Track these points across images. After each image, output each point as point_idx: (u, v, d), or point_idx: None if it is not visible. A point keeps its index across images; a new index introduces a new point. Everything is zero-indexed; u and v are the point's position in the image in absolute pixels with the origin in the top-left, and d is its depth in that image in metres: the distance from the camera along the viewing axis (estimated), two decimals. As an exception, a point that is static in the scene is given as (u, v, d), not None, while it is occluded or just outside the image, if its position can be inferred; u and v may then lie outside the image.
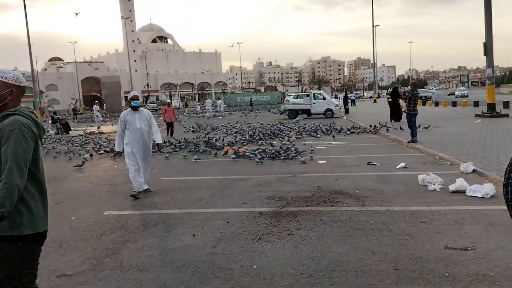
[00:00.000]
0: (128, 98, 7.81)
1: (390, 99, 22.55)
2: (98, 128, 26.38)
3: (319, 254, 4.41)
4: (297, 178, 8.40)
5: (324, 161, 10.37)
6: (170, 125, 19.96)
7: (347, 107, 32.31)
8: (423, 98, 45.16)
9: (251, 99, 60.32)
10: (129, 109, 7.63)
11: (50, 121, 26.94)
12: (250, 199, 6.85)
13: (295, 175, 8.75)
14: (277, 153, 11.17)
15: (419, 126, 14.98)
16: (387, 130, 16.59)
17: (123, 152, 7.54)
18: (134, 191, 7.32)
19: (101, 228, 5.64)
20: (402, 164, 9.11)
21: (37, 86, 68.02)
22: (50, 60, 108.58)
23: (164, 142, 14.62)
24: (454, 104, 33.24)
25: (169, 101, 22.31)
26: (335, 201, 6.52)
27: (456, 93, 60.91)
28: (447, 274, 3.81)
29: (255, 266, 4.16)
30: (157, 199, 7.22)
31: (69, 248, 4.90)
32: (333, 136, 15.76)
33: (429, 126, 16.33)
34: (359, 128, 18.32)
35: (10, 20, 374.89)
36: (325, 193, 7.06)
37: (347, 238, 4.84)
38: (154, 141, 8.05)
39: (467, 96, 49.18)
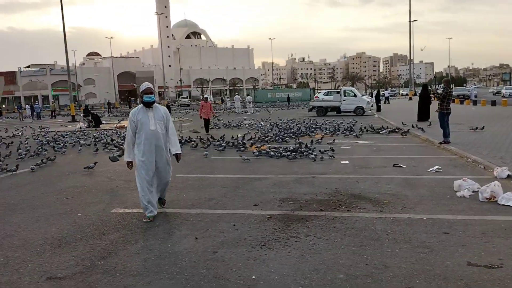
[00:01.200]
0: (140, 91, 5.83)
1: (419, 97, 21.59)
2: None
3: (325, 266, 4.04)
4: (316, 179, 8.00)
5: (347, 162, 9.91)
6: (207, 122, 19.21)
7: (379, 104, 31.35)
8: (461, 96, 43.49)
9: (288, 95, 59.88)
10: (141, 105, 5.84)
11: (82, 114, 27.48)
12: (262, 200, 6.53)
13: (314, 175, 8.35)
14: (295, 152, 10.90)
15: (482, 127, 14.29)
16: (404, 132, 15.59)
17: (131, 163, 5.90)
18: (146, 216, 5.69)
19: (105, 227, 5.46)
20: (435, 167, 8.53)
21: (74, 80, 70.17)
22: (88, 55, 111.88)
23: (201, 139, 14.69)
24: (493, 103, 31.66)
25: (206, 96, 20.64)
26: (352, 206, 6.10)
27: (504, 91, 51.85)
28: (466, 296, 3.37)
29: (253, 277, 3.84)
30: (167, 197, 6.97)
31: (67, 247, 4.74)
32: (356, 136, 15.10)
33: (483, 127, 14.95)
34: (376, 128, 16.93)
35: (53, 16, 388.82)
36: (343, 196, 6.65)
37: (359, 249, 4.44)
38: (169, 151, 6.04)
39: None
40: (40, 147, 13.78)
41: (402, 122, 17.82)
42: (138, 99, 32.17)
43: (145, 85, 5.80)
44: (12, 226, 5.62)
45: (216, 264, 4.14)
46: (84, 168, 9.89)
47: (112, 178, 8.79)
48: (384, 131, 16.02)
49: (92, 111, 28.23)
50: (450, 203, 6.09)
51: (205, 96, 20.36)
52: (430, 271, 3.87)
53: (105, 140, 16.04)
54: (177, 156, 6.03)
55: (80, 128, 23.35)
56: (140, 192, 5.68)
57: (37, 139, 17.60)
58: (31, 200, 7.01)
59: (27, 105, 53.44)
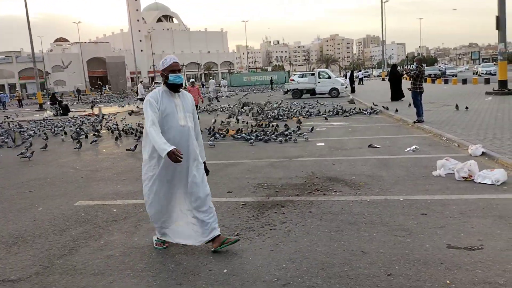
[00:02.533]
0: (163, 65, 3.98)
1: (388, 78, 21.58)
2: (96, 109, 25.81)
3: (301, 254, 3.83)
4: (291, 163, 7.79)
5: (323, 144, 9.74)
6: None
7: (353, 86, 31.35)
8: (432, 75, 44.06)
9: (271, 78, 58.94)
10: (162, 87, 3.98)
11: (49, 103, 26.47)
12: (236, 187, 6.27)
13: (289, 159, 8.14)
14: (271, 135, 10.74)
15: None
16: (372, 112, 15.62)
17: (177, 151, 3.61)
18: (156, 239, 4.18)
19: (66, 222, 5.11)
20: (413, 146, 8.42)
21: (42, 67, 67.72)
22: (55, 41, 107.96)
23: None
24: (464, 81, 32.14)
25: (192, 80, 18.68)
26: (328, 189, 5.92)
27: (480, 70, 49.35)
28: (448, 282, 3.21)
29: (225, 270, 3.59)
30: (136, 187, 6.64)
31: (23, 246, 4.38)
32: (326, 118, 14.85)
33: (467, 108, 14.28)
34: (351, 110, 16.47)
35: (18, 2, 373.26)
36: (319, 180, 6.46)
37: (335, 235, 4.25)
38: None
39: (495, 74, 44.00)
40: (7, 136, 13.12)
41: (373, 103, 17.79)
42: (139, 84, 30.63)
43: (171, 59, 3.97)
44: (-35, 224, 5.20)
45: (185, 259, 3.87)
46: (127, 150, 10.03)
47: (78, 169, 8.36)
48: (366, 112, 15.83)
49: (60, 100, 27.19)
50: (426, 183, 5.97)
51: (191, 80, 18.67)
52: (409, 255, 3.71)
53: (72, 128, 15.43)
54: (206, 169, 4.13)
55: (47, 117, 22.43)
56: (151, 205, 4.03)
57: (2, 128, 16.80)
58: (-12, 195, 6.56)
59: None
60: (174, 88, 3.92)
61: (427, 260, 3.60)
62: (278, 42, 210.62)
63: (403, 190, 5.67)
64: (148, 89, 47.71)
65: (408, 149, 8.34)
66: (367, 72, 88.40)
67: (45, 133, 13.97)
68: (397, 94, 20.09)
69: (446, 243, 3.91)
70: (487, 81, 28.38)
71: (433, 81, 38.51)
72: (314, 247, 3.98)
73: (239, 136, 11.09)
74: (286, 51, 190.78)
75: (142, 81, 34.72)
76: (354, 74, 34.29)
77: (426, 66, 60.21)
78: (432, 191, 5.57)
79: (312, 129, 11.76)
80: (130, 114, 21.47)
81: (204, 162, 4.13)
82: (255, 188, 6.18)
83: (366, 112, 15.74)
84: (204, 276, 3.52)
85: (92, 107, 26.50)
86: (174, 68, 3.93)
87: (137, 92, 45.06)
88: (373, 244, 3.97)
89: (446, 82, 35.41)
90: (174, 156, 3.55)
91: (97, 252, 4.11)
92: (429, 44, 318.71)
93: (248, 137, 10.75)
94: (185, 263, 3.78)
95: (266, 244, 4.10)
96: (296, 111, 17.35)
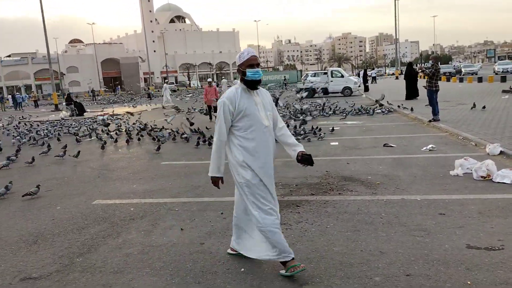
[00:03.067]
0: (239, 59, 3.53)
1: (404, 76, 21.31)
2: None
3: (318, 254, 3.82)
4: (305, 162, 7.76)
5: (337, 143, 9.69)
6: (210, 108, 16.97)
7: (367, 84, 31.12)
8: (447, 73, 43.49)
9: (285, 77, 58.60)
10: (239, 86, 3.55)
11: (64, 103, 26.81)
12: (251, 186, 6.27)
13: (304, 158, 8.11)
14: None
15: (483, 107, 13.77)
16: (385, 111, 15.45)
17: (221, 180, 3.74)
18: (287, 262, 3.44)
19: (85, 220, 5.17)
20: (429, 146, 8.33)
21: (57, 68, 68.68)
22: (70, 42, 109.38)
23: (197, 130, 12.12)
24: (479, 79, 31.65)
25: (210, 79, 18.25)
26: (343, 188, 5.89)
27: (496, 68, 45.58)
28: (469, 282, 3.17)
29: (242, 269, 3.61)
30: (152, 185, 6.73)
31: (43, 244, 4.45)
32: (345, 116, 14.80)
33: (484, 107, 13.91)
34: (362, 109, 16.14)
35: (33, 3, 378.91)
36: (334, 179, 6.43)
37: (353, 234, 4.23)
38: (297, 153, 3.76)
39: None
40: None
41: (388, 102, 17.60)
42: (149, 86, 29.95)
43: (248, 52, 3.53)
44: (-14, 223, 5.30)
45: (203, 257, 3.89)
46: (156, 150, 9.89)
47: (95, 168, 8.46)
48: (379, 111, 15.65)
49: (75, 99, 27.53)
50: (444, 183, 5.91)
51: (208, 80, 18.10)
52: (428, 255, 3.67)
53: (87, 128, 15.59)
54: (309, 158, 3.71)
55: (62, 117, 22.72)
56: (267, 228, 3.42)
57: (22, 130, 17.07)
58: (7, 194, 6.66)
59: (9, 95, 51.86)
60: (253, 85, 3.50)
61: (447, 260, 3.56)
62: (289, 41, 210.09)
63: (420, 190, 5.62)
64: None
65: (424, 148, 8.26)
66: (380, 70, 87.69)
67: (58, 134, 14.07)
68: (412, 93, 19.88)
69: (466, 243, 3.87)
70: (503, 79, 27.91)
71: (448, 79, 38.01)
72: (331, 247, 3.97)
73: None
74: (298, 50, 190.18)
75: (167, 81, 34.52)
76: (364, 72, 33.95)
77: (440, 64, 59.18)
78: (450, 191, 5.51)
79: (332, 129, 11.55)
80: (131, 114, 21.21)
81: (308, 157, 3.70)
82: (270, 187, 6.17)
83: (383, 111, 15.57)
84: (222, 275, 3.53)
85: (149, 95, 26.59)
86: (253, 62, 3.47)
87: (149, 95, 45.17)
88: (391, 244, 3.94)
89: (461, 80, 34.93)
90: (214, 185, 3.72)
91: (115, 251, 4.15)
92: (443, 42, 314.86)
93: None
94: (203, 262, 3.80)
95: (283, 244, 4.09)
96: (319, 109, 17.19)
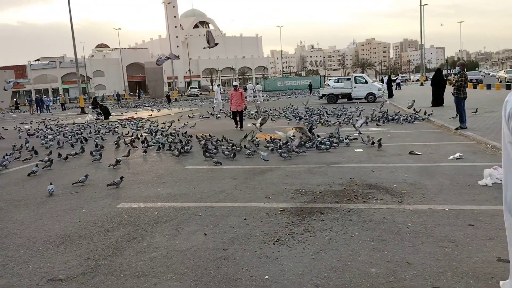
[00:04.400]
0: None
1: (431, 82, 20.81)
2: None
3: (343, 263, 3.76)
4: (329, 169, 7.70)
5: (361, 150, 9.57)
6: (235, 114, 15.90)
7: (391, 90, 30.73)
8: (474, 80, 42.55)
9: (310, 82, 58.24)
10: None
11: (90, 106, 27.38)
12: (274, 192, 6.25)
13: (327, 165, 8.05)
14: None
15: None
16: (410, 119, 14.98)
17: None
18: None
19: (110, 223, 5.25)
20: (457, 154, 8.13)
21: (84, 72, 70.33)
22: (97, 46, 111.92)
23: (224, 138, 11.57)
24: (508, 86, 30.83)
25: (236, 83, 16.82)
26: (368, 196, 5.80)
27: (508, 76, 42.59)
28: (500, 297, 3.06)
29: (266, 277, 3.58)
30: (176, 190, 6.78)
31: (70, 246, 4.53)
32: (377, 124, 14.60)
33: (476, 111, 14.47)
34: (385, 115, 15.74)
35: (61, 9, 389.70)
36: (358, 187, 6.34)
37: (378, 244, 4.15)
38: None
39: None
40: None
41: (414, 109, 17.19)
42: (216, 87, 28.44)
43: None
44: (15, 223, 5.43)
45: (226, 263, 3.89)
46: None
47: (120, 171, 8.58)
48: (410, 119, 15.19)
49: (101, 103, 28.11)
50: (472, 192, 5.75)
51: (234, 84, 16.75)
52: (457, 268, 3.57)
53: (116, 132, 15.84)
54: None
55: (89, 120, 23.19)
56: None
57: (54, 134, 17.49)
58: (35, 196, 6.82)
59: (32, 99, 52.36)
60: None
61: (477, 273, 3.46)
62: (312, 46, 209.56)
63: (448, 200, 5.48)
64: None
65: (452, 156, 8.07)
66: (404, 76, 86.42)
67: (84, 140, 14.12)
68: (438, 100, 19.51)
69: (496, 256, 3.75)
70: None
71: (474, 87, 37.18)
72: (356, 256, 3.90)
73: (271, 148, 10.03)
74: (321, 56, 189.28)
75: (219, 84, 34.11)
76: (389, 79, 33.52)
77: (466, 70, 57.80)
78: (479, 201, 5.36)
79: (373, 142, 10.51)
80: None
81: None
82: (293, 194, 6.14)
83: (410, 118, 15.16)
84: (245, 281, 3.51)
85: (168, 99, 25.99)
86: None
87: (168, 99, 45.60)
88: (418, 255, 3.85)
89: (488, 87, 34.11)
90: None
91: (140, 254, 4.19)
92: (469, 48, 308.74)
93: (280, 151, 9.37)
94: (226, 268, 3.79)
95: (306, 252, 4.06)
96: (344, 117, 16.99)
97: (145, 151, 10.70)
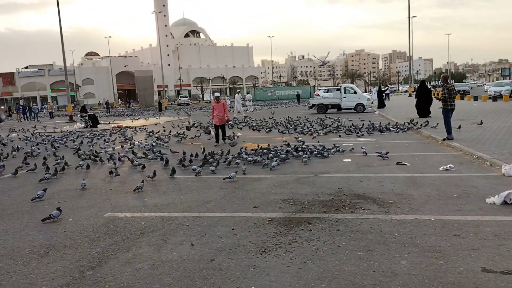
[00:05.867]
0: None
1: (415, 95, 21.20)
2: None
3: (330, 274, 3.76)
4: (317, 179, 7.72)
5: (350, 160, 9.62)
6: (218, 128, 14.00)
7: (383, 101, 31.07)
8: (461, 92, 43.14)
9: (298, 92, 58.49)
10: None
11: (79, 115, 27.17)
12: (262, 202, 6.25)
13: (316, 175, 8.07)
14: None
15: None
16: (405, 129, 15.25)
17: None
18: None
19: (96, 233, 5.18)
20: (448, 165, 8.19)
21: (73, 80, 69.89)
22: (86, 54, 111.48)
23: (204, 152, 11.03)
24: (494, 98, 31.37)
25: (218, 94, 14.56)
26: (356, 206, 5.82)
27: (489, 89, 37.95)
28: (485, 308, 3.09)
29: (253, 287, 3.56)
30: (164, 199, 6.73)
31: (54, 256, 4.46)
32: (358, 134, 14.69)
33: (459, 127, 14.09)
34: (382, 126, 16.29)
35: (50, 16, 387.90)
36: (346, 197, 6.37)
37: (365, 254, 4.17)
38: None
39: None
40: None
41: (411, 121, 17.05)
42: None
43: None
44: (-1, 233, 5.34)
45: (213, 274, 3.86)
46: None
47: (107, 180, 8.50)
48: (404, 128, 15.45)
49: (89, 112, 27.91)
50: (458, 203, 5.81)
51: (216, 95, 14.45)
52: (442, 278, 3.59)
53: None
54: None
55: (77, 128, 23.00)
56: None
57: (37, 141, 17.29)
58: (21, 205, 6.73)
59: (19, 106, 50.80)
60: None
61: (462, 283, 3.48)
62: (303, 57, 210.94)
63: (434, 210, 5.53)
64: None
65: (442, 167, 8.13)
66: (393, 87, 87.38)
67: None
68: (424, 111, 19.81)
69: (481, 266, 3.78)
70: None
71: (462, 98, 37.72)
72: (343, 266, 3.91)
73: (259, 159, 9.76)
74: (311, 66, 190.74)
75: (238, 91, 33.63)
76: (379, 89, 33.86)
77: (454, 82, 58.38)
78: (464, 212, 5.41)
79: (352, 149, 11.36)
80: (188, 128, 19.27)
81: None
82: (281, 203, 6.14)
83: (402, 128, 15.36)
84: (232, 292, 3.49)
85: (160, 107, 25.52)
86: None
87: (159, 107, 45.88)
88: (404, 266, 3.86)
89: (475, 98, 34.64)
90: None
91: (126, 265, 4.14)
92: (457, 60, 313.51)
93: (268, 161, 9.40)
94: (213, 279, 3.76)
95: (293, 262, 4.05)
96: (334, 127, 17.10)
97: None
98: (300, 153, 10.23)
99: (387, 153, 9.67)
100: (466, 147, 10.20)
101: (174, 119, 29.45)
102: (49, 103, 56.69)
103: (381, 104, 30.28)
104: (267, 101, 62.28)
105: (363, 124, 17.14)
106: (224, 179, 7.86)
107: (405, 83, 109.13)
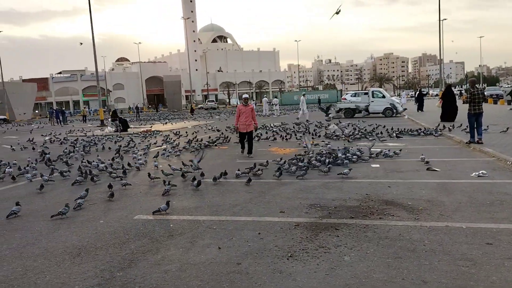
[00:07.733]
0: None
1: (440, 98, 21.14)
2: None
3: (357, 280, 3.72)
4: (344, 184, 7.66)
5: (378, 165, 9.49)
6: (243, 136, 12.42)
7: (423, 104, 30.62)
8: (494, 96, 41.91)
9: (319, 97, 58.48)
10: None
11: (110, 119, 27.84)
12: (288, 206, 6.24)
13: (343, 180, 8.00)
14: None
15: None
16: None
17: None
18: None
19: (126, 235, 5.30)
20: (480, 171, 7.97)
21: (104, 85, 71.73)
22: (117, 60, 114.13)
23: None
24: (530, 102, 30.26)
25: (246, 96, 12.88)
26: (384, 213, 5.74)
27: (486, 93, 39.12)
28: (519, 319, 2.99)
29: (279, 292, 3.57)
30: (191, 202, 6.82)
31: (86, 257, 4.59)
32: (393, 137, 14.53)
33: (507, 129, 13.86)
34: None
35: (83, 23, 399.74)
36: (374, 202, 6.29)
37: (394, 261, 4.10)
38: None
39: None
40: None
41: (439, 127, 16.69)
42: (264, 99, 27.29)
43: None
44: (34, 233, 5.53)
45: (239, 277, 3.89)
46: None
47: (136, 184, 8.68)
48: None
49: (120, 116, 28.54)
50: (491, 210, 5.64)
51: (244, 96, 12.91)
52: (474, 287, 3.50)
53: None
54: None
55: (107, 132, 23.56)
56: None
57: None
58: (54, 206, 6.94)
59: (50, 111, 51.80)
60: None
61: (495, 294, 3.38)
62: (330, 60, 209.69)
63: (466, 217, 5.39)
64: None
65: (474, 173, 7.92)
66: (424, 91, 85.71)
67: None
68: (449, 114, 19.66)
69: (516, 277, 3.66)
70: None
71: (495, 102, 36.60)
72: (371, 273, 3.86)
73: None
74: (338, 70, 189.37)
75: (304, 93, 33.66)
76: (420, 92, 33.24)
77: (486, 85, 56.76)
78: (498, 219, 5.26)
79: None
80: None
81: None
82: (307, 208, 6.12)
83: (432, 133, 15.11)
84: (259, 297, 3.51)
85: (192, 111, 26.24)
86: None
87: (192, 111, 47.12)
88: (434, 274, 3.78)
89: (509, 103, 33.51)
90: None
91: (155, 266, 4.22)
92: (490, 63, 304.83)
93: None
94: (239, 282, 3.79)
95: (320, 268, 4.03)
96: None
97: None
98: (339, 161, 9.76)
99: (428, 162, 9.40)
100: (499, 152, 9.89)
101: (202, 122, 29.77)
102: (85, 108, 58.33)
103: (420, 107, 30.03)
104: (293, 105, 62.11)
105: (392, 128, 16.85)
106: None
107: (436, 87, 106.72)
